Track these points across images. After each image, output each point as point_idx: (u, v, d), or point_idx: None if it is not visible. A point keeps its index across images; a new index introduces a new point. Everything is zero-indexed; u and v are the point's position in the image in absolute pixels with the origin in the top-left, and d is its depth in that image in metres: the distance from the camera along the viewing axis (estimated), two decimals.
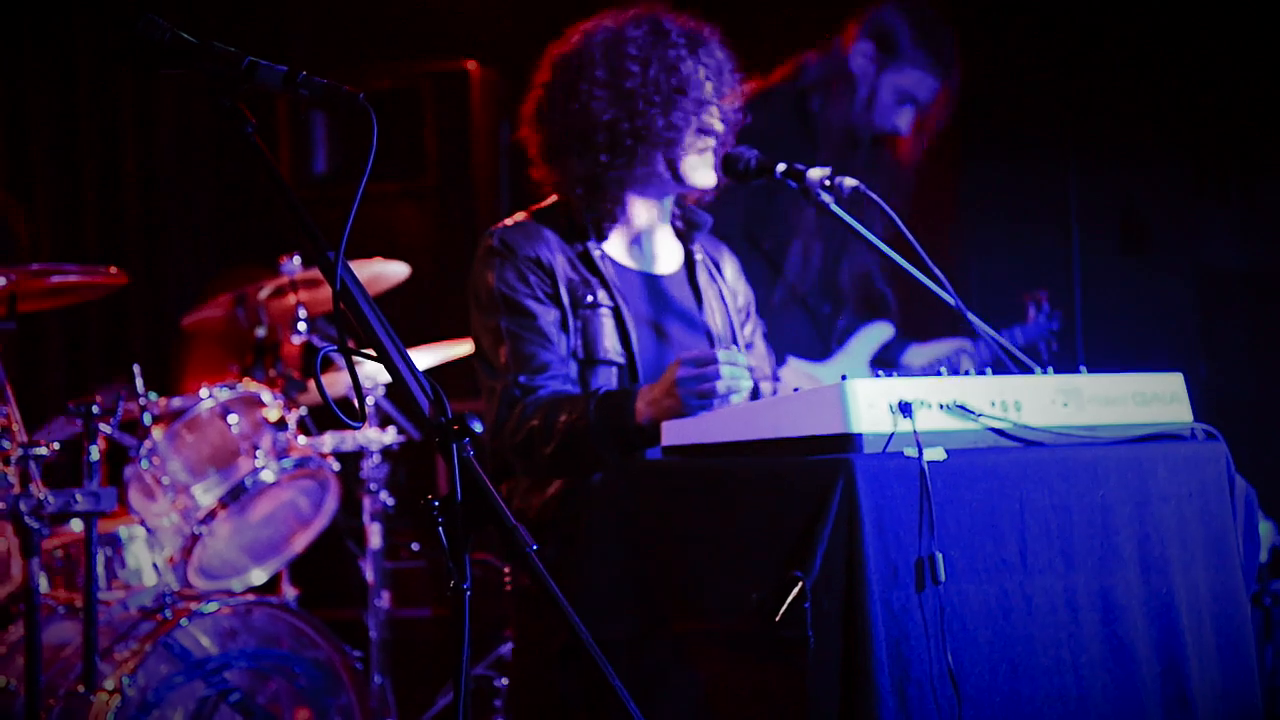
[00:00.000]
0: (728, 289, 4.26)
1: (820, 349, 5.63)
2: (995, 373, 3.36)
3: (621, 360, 3.93)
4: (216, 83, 2.69)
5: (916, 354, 5.81)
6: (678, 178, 4.01)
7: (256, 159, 2.65)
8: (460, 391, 5.14)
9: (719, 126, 4.01)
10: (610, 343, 3.92)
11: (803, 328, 5.52)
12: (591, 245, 4.00)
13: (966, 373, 3.33)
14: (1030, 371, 3.59)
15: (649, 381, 3.84)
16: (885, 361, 5.74)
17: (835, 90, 5.51)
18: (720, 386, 3.54)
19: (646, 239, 4.11)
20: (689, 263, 4.21)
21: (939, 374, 3.27)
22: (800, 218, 5.55)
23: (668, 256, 4.17)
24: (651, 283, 4.10)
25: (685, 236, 4.23)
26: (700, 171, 4.01)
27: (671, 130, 3.93)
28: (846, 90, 5.52)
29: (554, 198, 4.09)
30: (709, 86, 3.98)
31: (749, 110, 4.11)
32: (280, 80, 2.70)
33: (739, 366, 3.57)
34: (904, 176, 5.55)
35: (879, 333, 5.76)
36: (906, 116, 5.56)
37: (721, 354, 3.55)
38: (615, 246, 4.07)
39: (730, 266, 4.33)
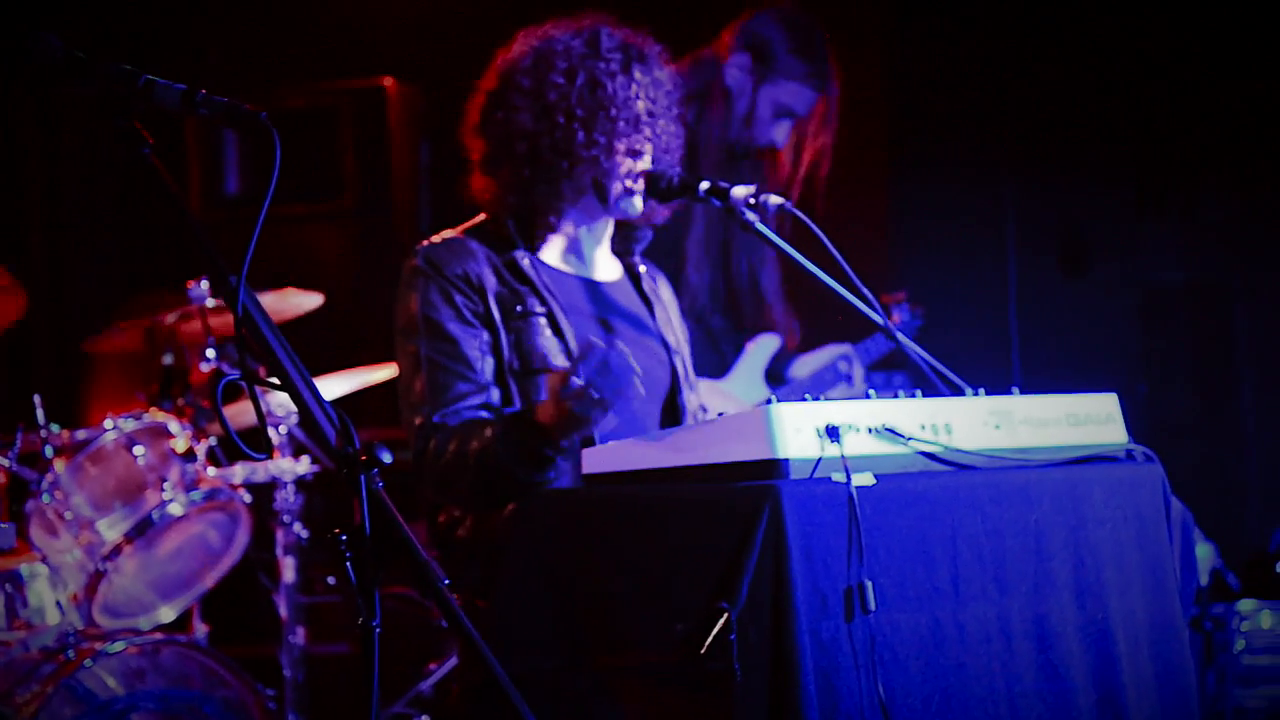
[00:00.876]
0: (671, 308, 4.28)
1: (717, 365, 5.66)
2: (924, 393, 3.38)
3: (564, 365, 3.90)
4: (112, 102, 2.68)
5: (803, 364, 5.86)
6: (605, 202, 4.00)
7: (156, 181, 2.63)
8: (380, 419, 5.14)
9: (649, 149, 4.00)
10: (548, 348, 3.90)
11: (697, 344, 5.56)
12: (519, 254, 3.98)
13: (896, 394, 3.35)
14: (961, 392, 3.62)
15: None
16: (774, 375, 5.79)
17: (712, 104, 5.53)
18: (589, 385, 3.47)
19: (585, 246, 4.11)
20: (632, 275, 4.22)
21: (867, 396, 3.29)
22: (692, 233, 5.58)
23: (607, 266, 4.17)
24: (593, 288, 4.08)
25: (622, 253, 4.23)
26: (629, 199, 4.01)
27: (592, 147, 3.91)
28: (723, 104, 5.55)
29: (483, 216, 4.08)
30: (641, 105, 3.96)
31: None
32: (179, 99, 2.69)
33: (607, 358, 3.47)
34: (786, 193, 5.59)
35: (768, 345, 5.80)
36: (784, 130, 5.60)
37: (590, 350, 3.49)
38: (551, 254, 4.06)
39: (666, 289, 4.34)
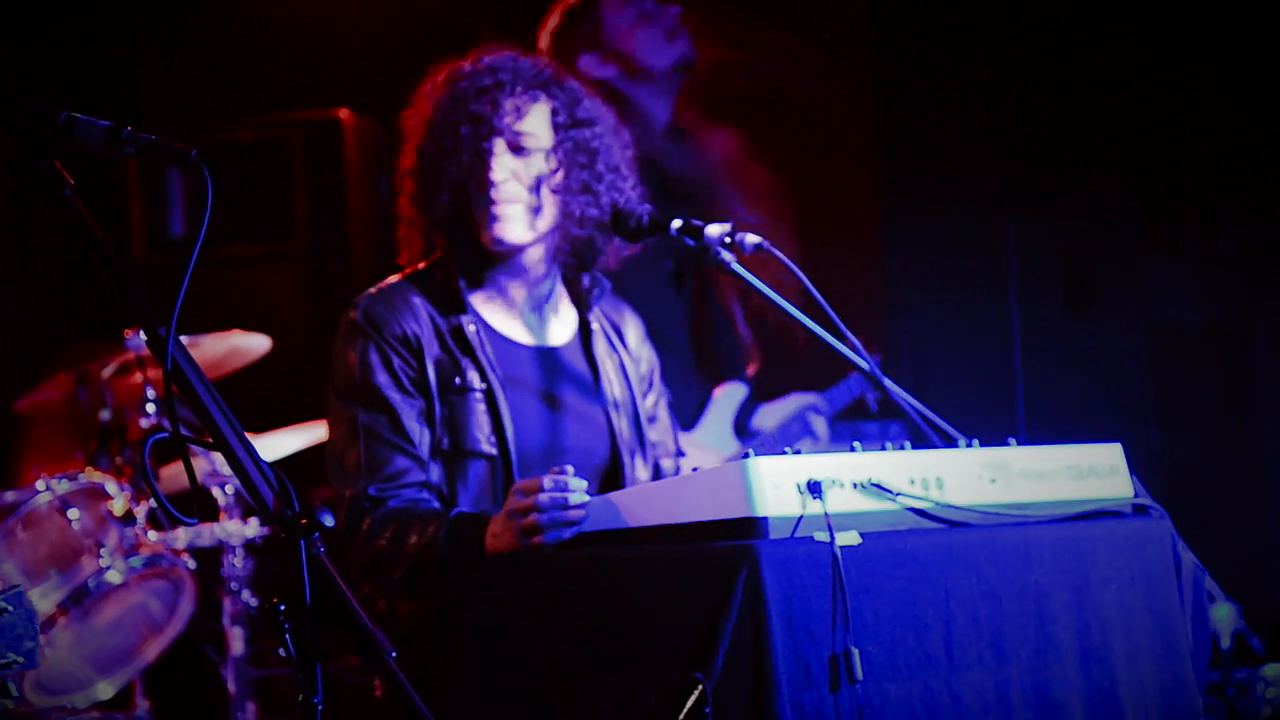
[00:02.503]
0: (629, 356, 4.27)
1: (688, 415, 5.67)
2: (914, 444, 3.38)
3: (493, 451, 3.91)
4: (29, 141, 2.69)
5: (766, 414, 5.88)
6: (478, 239, 4.03)
7: (78, 224, 2.64)
8: None
9: (497, 175, 3.99)
10: (480, 432, 3.91)
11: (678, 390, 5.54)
12: (466, 320, 3.99)
13: (883, 445, 3.35)
14: (954, 443, 3.62)
15: (528, 470, 3.85)
16: (739, 425, 5.80)
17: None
18: (543, 520, 3.43)
19: (536, 309, 4.12)
20: (584, 332, 4.22)
21: (851, 448, 3.29)
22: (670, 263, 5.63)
23: (562, 326, 4.18)
24: (545, 356, 4.10)
25: (582, 303, 4.23)
26: (491, 228, 4.01)
27: (451, 190, 4.02)
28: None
29: (433, 258, 4.10)
30: (482, 130, 3.99)
31: None
32: (102, 137, 2.70)
33: (564, 494, 3.44)
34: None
35: (735, 394, 5.82)
36: (681, 44, 5.71)
37: (547, 480, 3.46)
38: (501, 318, 4.07)
39: (633, 330, 4.34)
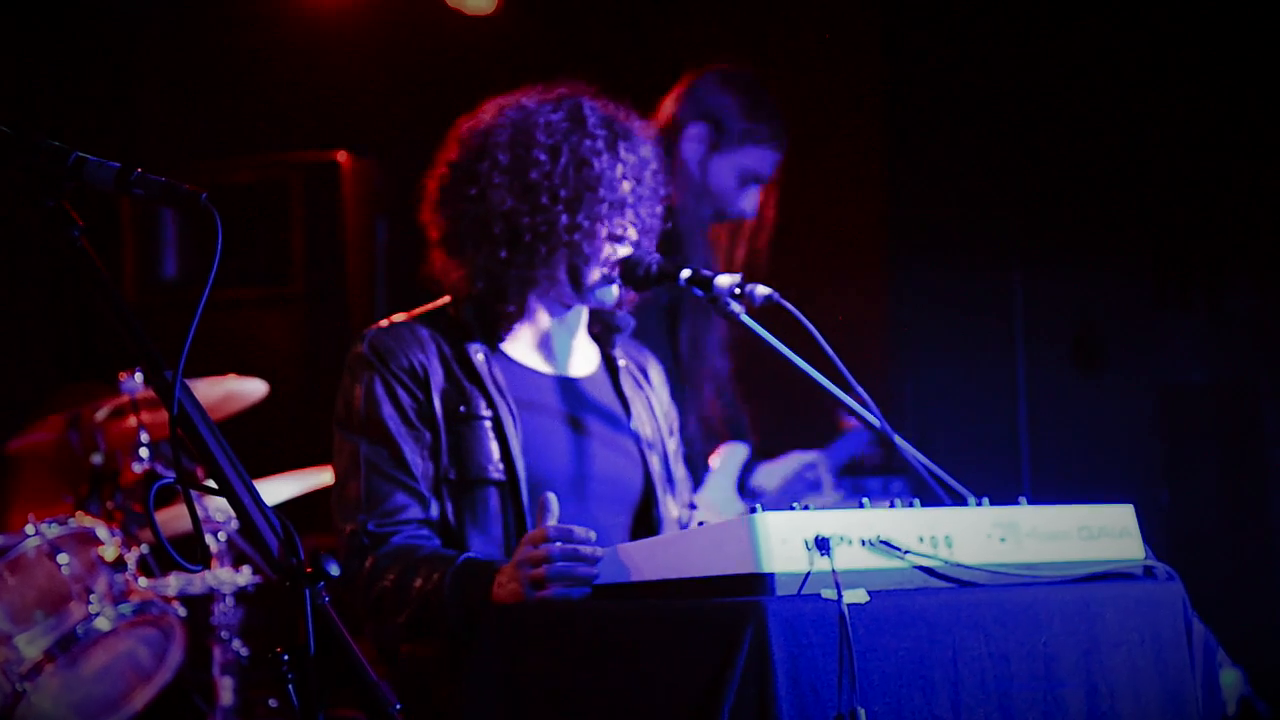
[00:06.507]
0: (656, 397, 4.29)
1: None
2: (923, 502, 3.39)
3: (500, 477, 3.90)
4: (38, 181, 2.70)
5: (766, 474, 5.88)
6: (579, 288, 4.02)
7: (85, 266, 2.65)
8: (331, 526, 5.14)
9: (633, 234, 4.03)
10: (487, 458, 3.90)
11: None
12: (473, 348, 4.00)
13: (892, 502, 3.36)
14: (963, 502, 3.63)
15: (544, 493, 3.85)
16: (740, 485, 5.80)
17: (678, 181, 5.60)
18: (553, 571, 3.41)
19: (557, 339, 4.12)
20: (610, 367, 4.23)
21: (860, 505, 3.30)
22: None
23: (583, 359, 4.20)
24: (566, 385, 4.11)
25: (603, 340, 4.25)
26: (605, 288, 4.03)
27: (575, 231, 3.94)
28: (683, 177, 5.61)
29: (445, 299, 4.10)
30: (626, 186, 4.00)
31: None
32: (112, 178, 2.71)
33: (576, 549, 3.42)
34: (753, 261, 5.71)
35: (738, 454, 5.82)
36: (752, 198, 5.68)
37: (579, 530, 3.44)
38: (520, 347, 4.07)
39: (656, 373, 4.36)
